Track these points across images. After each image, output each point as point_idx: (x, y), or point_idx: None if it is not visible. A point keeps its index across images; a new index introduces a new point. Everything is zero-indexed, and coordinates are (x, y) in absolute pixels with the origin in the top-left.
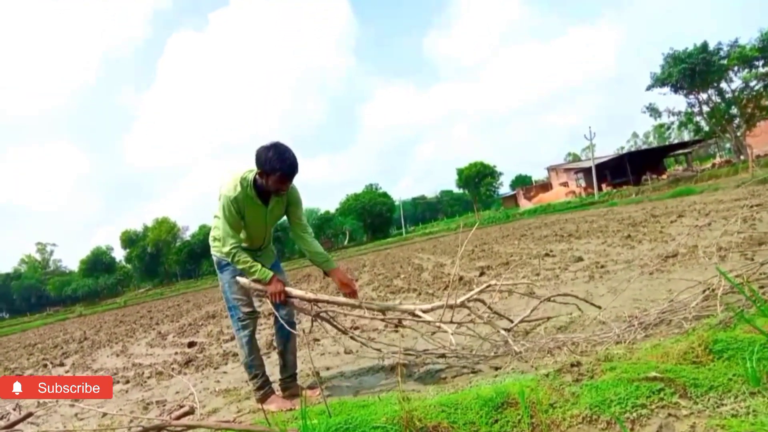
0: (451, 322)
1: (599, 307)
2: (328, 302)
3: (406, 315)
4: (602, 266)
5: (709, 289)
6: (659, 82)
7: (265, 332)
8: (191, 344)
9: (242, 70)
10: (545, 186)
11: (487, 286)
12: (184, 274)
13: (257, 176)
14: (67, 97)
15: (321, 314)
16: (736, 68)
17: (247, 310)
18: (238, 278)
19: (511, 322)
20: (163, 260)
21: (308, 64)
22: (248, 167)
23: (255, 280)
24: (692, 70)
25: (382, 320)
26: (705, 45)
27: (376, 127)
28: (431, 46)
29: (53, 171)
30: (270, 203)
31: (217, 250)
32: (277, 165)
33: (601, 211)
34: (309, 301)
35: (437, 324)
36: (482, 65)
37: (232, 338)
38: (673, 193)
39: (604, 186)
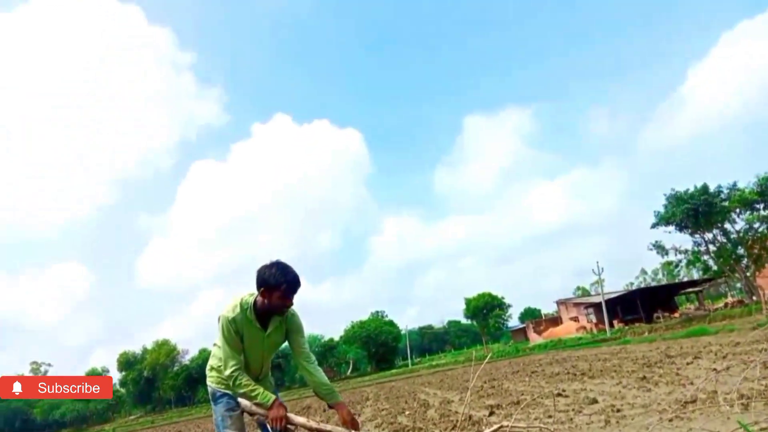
0: None
1: None
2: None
3: None
4: (618, 410)
5: None
6: (663, 220)
7: None
8: None
9: (259, 198)
10: (555, 320)
11: (499, 427)
12: (178, 401)
13: (258, 297)
14: (83, 218)
15: None
16: (737, 210)
17: None
18: (240, 399)
19: None
20: (158, 385)
21: (321, 194)
22: (249, 291)
23: (256, 404)
24: (695, 210)
25: None
26: (705, 187)
27: (384, 255)
28: (440, 181)
29: (59, 289)
30: (269, 328)
31: (213, 380)
32: (281, 278)
33: (614, 349)
34: (311, 429)
35: None
36: (489, 200)
37: None
38: (687, 333)
39: (615, 322)
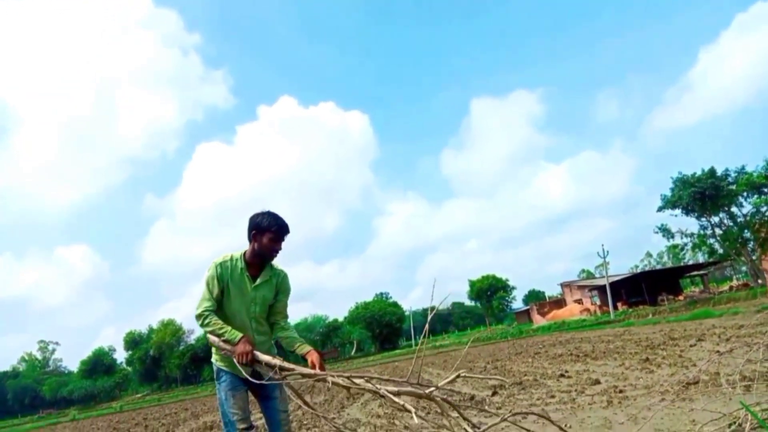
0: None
1: None
2: (294, 370)
3: (372, 392)
4: (621, 391)
5: (735, 422)
6: (670, 204)
7: None
8: None
9: (264, 180)
10: (559, 302)
11: (457, 376)
12: (184, 380)
13: (249, 247)
14: (90, 200)
15: (290, 383)
16: (745, 193)
17: (244, 426)
18: (209, 336)
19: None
20: (164, 363)
21: (327, 176)
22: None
23: (224, 341)
24: (702, 194)
25: (348, 390)
26: (713, 170)
27: (389, 237)
28: (446, 164)
29: (67, 270)
30: (258, 280)
31: (216, 359)
32: (272, 221)
33: (617, 331)
34: (274, 366)
35: (401, 404)
36: (496, 183)
37: None
38: (691, 315)
39: (619, 305)
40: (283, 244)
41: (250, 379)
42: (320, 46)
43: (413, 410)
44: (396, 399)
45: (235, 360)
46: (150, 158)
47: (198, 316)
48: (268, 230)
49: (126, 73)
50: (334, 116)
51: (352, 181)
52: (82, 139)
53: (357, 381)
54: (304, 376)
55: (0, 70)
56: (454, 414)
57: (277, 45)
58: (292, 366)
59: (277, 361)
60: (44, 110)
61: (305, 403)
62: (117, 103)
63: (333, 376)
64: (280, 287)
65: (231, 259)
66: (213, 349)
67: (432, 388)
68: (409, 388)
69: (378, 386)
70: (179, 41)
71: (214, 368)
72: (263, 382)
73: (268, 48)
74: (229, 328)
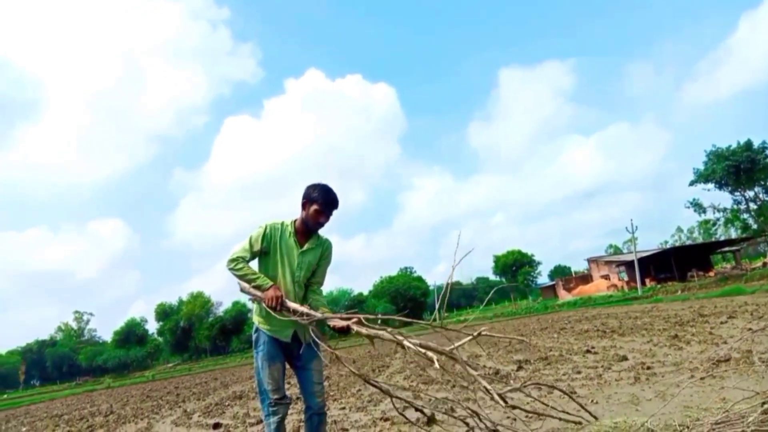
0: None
1: (595, 418)
2: (322, 318)
3: (395, 342)
4: (648, 368)
5: None
6: (702, 178)
7: (293, 417)
8: (216, 426)
9: (291, 154)
10: (585, 278)
11: (478, 334)
12: (213, 350)
13: (302, 211)
14: (122, 175)
15: (331, 347)
16: None
17: (277, 396)
18: (239, 282)
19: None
20: (194, 335)
21: (353, 150)
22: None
23: (254, 287)
24: (736, 167)
25: (371, 342)
26: (749, 143)
27: (415, 212)
28: (474, 137)
29: (100, 244)
30: (305, 246)
31: (258, 320)
32: (322, 194)
33: (645, 307)
34: (303, 314)
35: (423, 353)
36: (523, 157)
37: (259, 422)
38: (722, 292)
39: (647, 281)
40: (331, 218)
41: (286, 341)
42: (347, 17)
43: (435, 358)
44: (419, 349)
45: (264, 305)
46: (179, 133)
47: (230, 261)
48: (315, 202)
49: (154, 47)
50: (360, 89)
51: (378, 154)
52: (111, 114)
53: (380, 332)
54: (329, 321)
55: (30, 45)
56: (475, 373)
57: (305, 16)
58: (318, 314)
59: (304, 309)
60: (74, 86)
61: (346, 365)
62: (146, 77)
63: (357, 321)
64: (324, 254)
65: (282, 224)
66: (255, 311)
67: (453, 346)
68: (432, 344)
69: (400, 337)
70: (208, 15)
71: (254, 335)
72: (299, 349)
73: (296, 19)
74: (261, 275)
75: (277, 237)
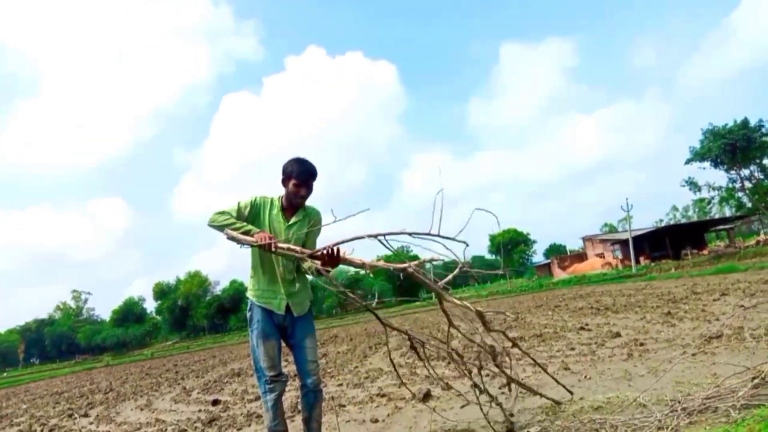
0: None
1: (570, 393)
2: (312, 253)
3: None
4: (641, 344)
5: (759, 376)
6: (698, 156)
7: (290, 394)
8: (215, 402)
9: (291, 132)
10: (580, 256)
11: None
12: (211, 329)
13: (283, 189)
14: (122, 153)
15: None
16: None
17: (273, 373)
18: (227, 231)
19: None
20: (192, 313)
21: (353, 128)
22: None
23: (243, 233)
24: (732, 145)
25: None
26: (746, 121)
27: (413, 190)
28: (474, 114)
29: (99, 223)
30: (291, 219)
31: (251, 294)
32: (294, 168)
33: (639, 284)
34: (297, 252)
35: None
36: (523, 134)
37: (257, 398)
38: (716, 270)
39: (642, 259)
40: (312, 189)
41: (280, 313)
42: None
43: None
44: (417, 275)
45: (254, 243)
46: (180, 111)
47: (216, 213)
48: (291, 176)
49: (156, 25)
50: (361, 66)
51: (377, 132)
52: (113, 92)
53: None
54: (323, 256)
55: (32, 23)
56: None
57: None
58: (312, 251)
59: (297, 248)
60: (74, 63)
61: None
62: (148, 56)
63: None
64: (312, 224)
65: (270, 199)
66: (250, 285)
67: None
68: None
69: (381, 238)
70: None
71: (248, 313)
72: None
73: None
74: (244, 223)
75: (265, 210)
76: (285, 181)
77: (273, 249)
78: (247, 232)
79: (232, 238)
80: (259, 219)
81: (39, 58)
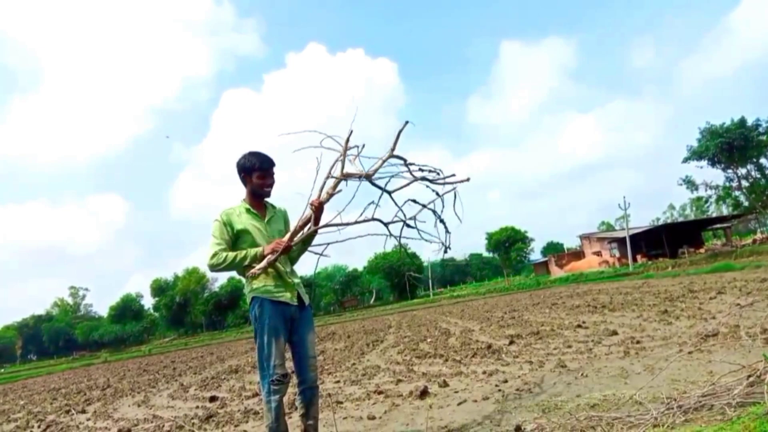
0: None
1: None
2: (317, 220)
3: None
4: (638, 342)
5: (754, 374)
6: (696, 155)
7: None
8: (213, 399)
9: (290, 129)
10: (577, 254)
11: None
12: (209, 325)
13: (245, 187)
14: (120, 149)
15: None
16: None
17: (281, 372)
18: (248, 273)
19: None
20: (189, 310)
21: (354, 126)
22: None
23: (251, 261)
24: (730, 144)
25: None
26: (743, 120)
27: (411, 187)
28: (473, 111)
29: (97, 219)
30: (266, 216)
31: (248, 289)
32: (254, 160)
33: (636, 283)
34: (305, 232)
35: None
36: (522, 132)
37: (255, 395)
38: (712, 268)
39: (639, 257)
40: (274, 177)
41: (293, 304)
42: None
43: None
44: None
45: (274, 256)
46: (179, 107)
47: (212, 257)
48: (253, 169)
49: (158, 21)
50: (362, 64)
51: (377, 129)
52: (112, 88)
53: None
54: (319, 207)
55: (32, 17)
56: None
57: None
58: (316, 218)
59: (302, 230)
60: (74, 58)
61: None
62: (148, 52)
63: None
64: (286, 221)
65: (232, 208)
66: (253, 283)
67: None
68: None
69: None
70: None
71: (256, 310)
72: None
73: None
74: (247, 250)
75: (235, 219)
76: (246, 177)
77: (289, 250)
78: (255, 255)
79: (250, 276)
80: (240, 229)
81: (38, 52)
